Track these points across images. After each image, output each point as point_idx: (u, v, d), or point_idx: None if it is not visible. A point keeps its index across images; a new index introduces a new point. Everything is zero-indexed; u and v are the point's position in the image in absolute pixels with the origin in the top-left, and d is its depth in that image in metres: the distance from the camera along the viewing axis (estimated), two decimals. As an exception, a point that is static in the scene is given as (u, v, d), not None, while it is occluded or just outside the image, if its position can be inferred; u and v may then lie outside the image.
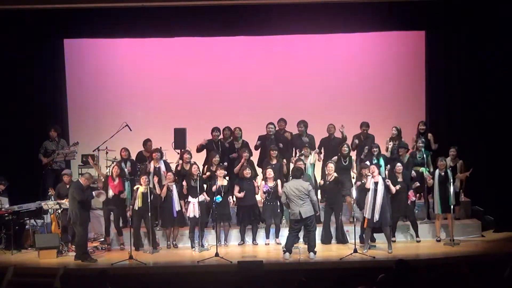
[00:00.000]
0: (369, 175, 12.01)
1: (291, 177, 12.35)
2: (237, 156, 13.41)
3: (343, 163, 13.01)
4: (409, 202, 12.49)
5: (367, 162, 12.69)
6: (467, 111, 14.28)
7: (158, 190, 12.48)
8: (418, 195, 13.10)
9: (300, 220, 11.61)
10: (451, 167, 12.75)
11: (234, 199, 13.06)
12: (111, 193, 12.55)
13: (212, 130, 13.63)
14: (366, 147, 13.31)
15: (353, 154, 13.63)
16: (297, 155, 13.21)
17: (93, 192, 12.19)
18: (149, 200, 12.15)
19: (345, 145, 13.12)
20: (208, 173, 12.79)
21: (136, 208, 12.26)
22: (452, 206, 12.37)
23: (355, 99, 15.19)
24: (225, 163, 13.16)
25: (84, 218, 11.89)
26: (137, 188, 12.31)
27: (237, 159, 13.35)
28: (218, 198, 12.29)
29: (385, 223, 11.92)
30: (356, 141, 13.59)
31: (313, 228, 11.81)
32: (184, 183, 12.54)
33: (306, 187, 11.67)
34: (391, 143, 13.23)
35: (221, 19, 14.16)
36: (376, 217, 11.80)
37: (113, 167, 12.78)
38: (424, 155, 13.05)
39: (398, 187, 12.07)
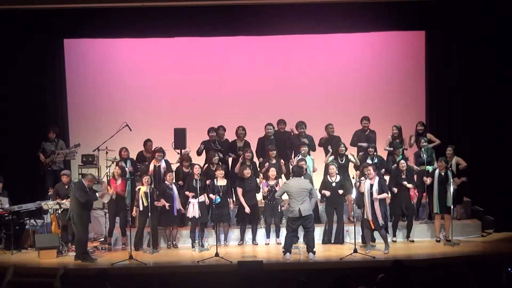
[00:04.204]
0: (362, 180, 11.99)
1: (291, 175, 12.34)
2: (236, 157, 13.43)
3: (340, 162, 13.03)
4: (412, 201, 12.53)
5: (369, 161, 12.76)
6: (467, 110, 14.27)
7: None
8: (421, 193, 13.09)
9: (299, 218, 11.60)
10: (449, 166, 12.73)
11: (234, 199, 13.09)
12: (114, 194, 12.53)
13: (208, 131, 13.62)
14: (361, 153, 13.32)
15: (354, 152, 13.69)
16: (297, 155, 13.20)
17: (97, 194, 12.20)
18: (149, 200, 12.17)
19: (342, 144, 13.14)
20: (205, 167, 12.76)
21: (141, 208, 12.27)
22: (451, 207, 12.36)
23: (355, 99, 15.19)
24: (227, 159, 13.21)
25: (85, 218, 11.90)
26: (139, 189, 12.32)
27: (235, 160, 13.40)
28: (217, 199, 12.31)
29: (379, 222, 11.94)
30: (364, 145, 13.54)
31: (312, 228, 11.81)
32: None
33: (308, 185, 11.71)
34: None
35: (221, 19, 14.16)
36: (381, 220, 11.82)
37: (115, 167, 12.78)
38: (425, 155, 13.03)
39: (385, 195, 12.03)
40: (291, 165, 13.17)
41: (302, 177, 12.01)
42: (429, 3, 13.86)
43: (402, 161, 12.58)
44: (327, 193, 12.43)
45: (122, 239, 12.68)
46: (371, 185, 11.91)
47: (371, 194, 11.86)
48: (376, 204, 11.84)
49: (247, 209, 12.54)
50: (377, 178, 11.99)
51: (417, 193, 12.68)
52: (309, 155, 13.26)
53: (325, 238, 12.65)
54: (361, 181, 11.99)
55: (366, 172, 12.08)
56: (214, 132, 13.61)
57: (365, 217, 11.98)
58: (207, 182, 12.53)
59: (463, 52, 14.30)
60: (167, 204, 12.37)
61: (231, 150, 13.66)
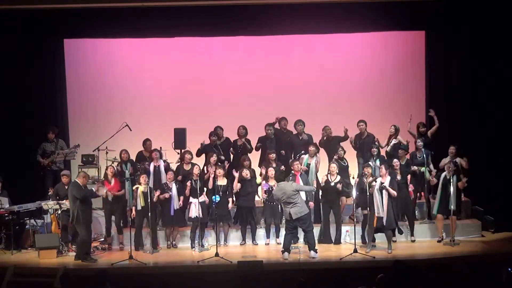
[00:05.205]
0: (375, 179, 12.00)
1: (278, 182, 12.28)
2: (235, 155, 13.43)
3: (343, 164, 13.06)
4: (411, 198, 12.53)
5: (369, 162, 12.76)
6: (467, 110, 14.27)
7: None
8: (418, 194, 13.11)
9: (290, 220, 11.69)
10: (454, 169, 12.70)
11: (234, 199, 13.10)
12: (110, 195, 12.53)
13: (210, 135, 13.61)
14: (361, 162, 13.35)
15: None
16: (298, 155, 13.20)
17: (93, 188, 12.16)
18: (149, 200, 12.17)
19: (340, 148, 13.14)
20: (211, 176, 12.69)
21: (139, 208, 12.27)
22: (452, 209, 12.32)
23: (355, 99, 15.19)
24: (225, 162, 13.17)
25: (86, 217, 11.89)
26: (137, 188, 12.32)
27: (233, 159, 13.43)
28: (216, 198, 12.32)
29: (389, 224, 11.91)
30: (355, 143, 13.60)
31: (309, 228, 11.83)
32: (188, 183, 12.54)
33: (292, 188, 11.69)
34: (392, 141, 13.28)
35: (221, 19, 14.17)
36: (385, 218, 11.80)
37: (107, 168, 12.78)
38: (424, 155, 13.03)
39: (394, 193, 11.98)
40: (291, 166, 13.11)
41: (286, 181, 11.98)
42: (429, 3, 13.86)
43: (395, 160, 12.55)
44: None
45: (119, 237, 12.70)
46: (382, 183, 11.90)
47: (381, 192, 11.85)
48: (385, 202, 11.81)
49: (237, 186, 12.62)
50: (388, 178, 11.97)
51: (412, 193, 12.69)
52: (316, 156, 13.22)
53: (321, 237, 12.65)
54: (373, 184, 11.97)
55: (365, 173, 12.08)
56: (215, 136, 13.60)
57: (375, 214, 11.93)
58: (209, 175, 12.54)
59: (463, 52, 14.30)
60: (166, 195, 12.38)
61: (233, 149, 13.67)
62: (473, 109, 14.15)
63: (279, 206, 12.52)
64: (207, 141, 13.60)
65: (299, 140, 13.53)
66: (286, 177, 12.25)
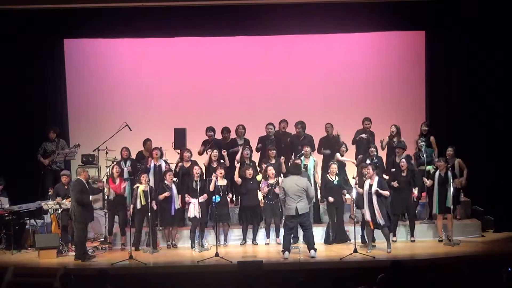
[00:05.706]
0: (356, 186, 12.06)
1: (289, 174, 12.31)
2: (237, 151, 13.41)
3: (344, 162, 13.08)
4: (412, 200, 12.53)
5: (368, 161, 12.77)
6: (467, 111, 14.27)
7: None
8: (420, 193, 13.09)
9: (296, 216, 11.61)
10: (449, 166, 12.72)
11: (234, 198, 13.09)
12: (113, 194, 12.55)
13: (206, 130, 13.63)
14: (360, 156, 13.33)
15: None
16: (298, 155, 13.22)
17: (91, 197, 12.17)
18: (149, 199, 12.17)
19: (343, 146, 13.17)
20: (213, 180, 12.53)
21: (139, 207, 12.27)
22: (451, 207, 12.34)
23: (355, 99, 15.19)
24: (226, 163, 13.19)
25: (83, 216, 11.89)
26: (137, 187, 12.31)
27: (234, 154, 13.41)
28: (217, 198, 12.31)
29: (384, 223, 11.91)
30: (364, 136, 13.58)
31: (309, 226, 11.82)
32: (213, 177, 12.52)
33: (305, 184, 11.69)
34: (386, 139, 13.30)
35: (221, 19, 14.19)
36: (379, 219, 11.79)
37: (113, 167, 12.77)
38: (425, 154, 13.02)
39: (387, 193, 11.96)
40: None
41: (299, 175, 11.97)
42: (429, 3, 13.88)
43: (403, 160, 12.56)
44: (331, 199, 12.43)
45: (121, 239, 12.69)
46: (370, 185, 11.90)
47: (370, 194, 11.85)
48: (376, 204, 11.81)
49: (238, 181, 12.65)
50: (376, 178, 11.97)
51: (416, 194, 12.66)
52: (311, 156, 13.25)
53: (329, 239, 12.63)
54: (356, 186, 12.05)
55: (365, 172, 12.09)
56: (212, 132, 13.62)
57: (365, 218, 11.97)
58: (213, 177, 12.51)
59: (463, 52, 14.30)
60: (165, 194, 12.38)
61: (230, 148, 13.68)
62: (473, 109, 14.15)
63: (279, 206, 12.52)
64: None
65: (299, 141, 13.53)
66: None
